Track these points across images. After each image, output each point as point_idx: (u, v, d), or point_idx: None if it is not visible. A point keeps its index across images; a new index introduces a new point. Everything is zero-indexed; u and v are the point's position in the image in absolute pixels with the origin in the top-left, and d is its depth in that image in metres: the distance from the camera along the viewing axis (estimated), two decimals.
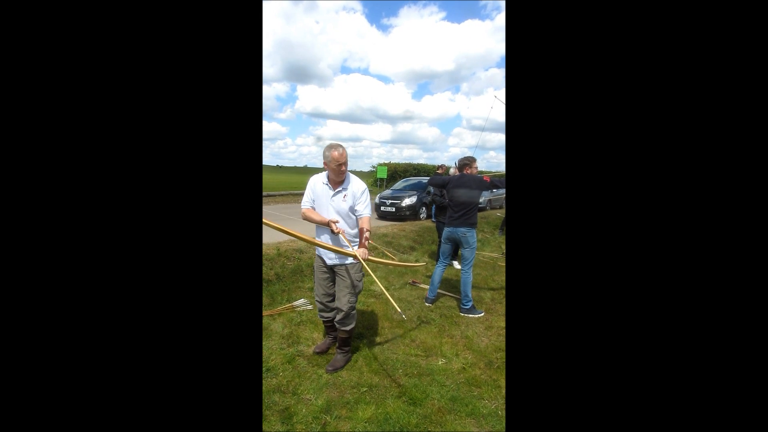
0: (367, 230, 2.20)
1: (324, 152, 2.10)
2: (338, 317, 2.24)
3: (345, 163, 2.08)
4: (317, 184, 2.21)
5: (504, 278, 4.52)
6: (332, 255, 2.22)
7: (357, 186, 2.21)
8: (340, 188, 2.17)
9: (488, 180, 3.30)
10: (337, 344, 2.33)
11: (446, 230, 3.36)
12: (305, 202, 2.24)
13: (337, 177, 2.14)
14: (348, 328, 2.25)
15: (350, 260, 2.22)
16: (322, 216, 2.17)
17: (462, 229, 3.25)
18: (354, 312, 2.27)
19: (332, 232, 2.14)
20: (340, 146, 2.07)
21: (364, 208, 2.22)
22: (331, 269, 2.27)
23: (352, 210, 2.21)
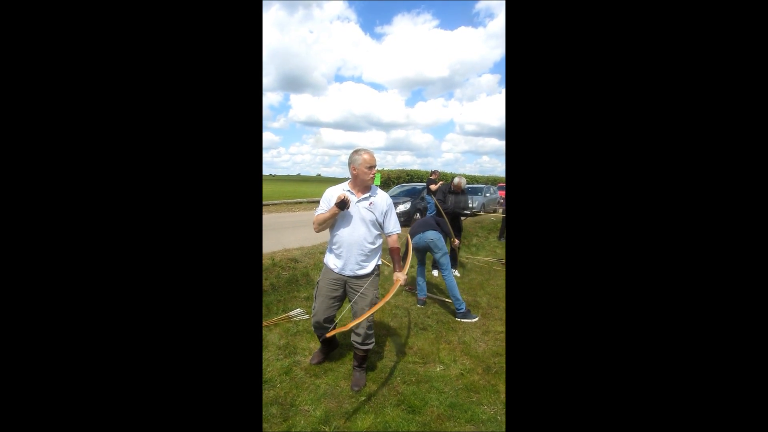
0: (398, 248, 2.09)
1: (351, 157, 2.04)
2: (358, 339, 2.12)
3: (375, 166, 2.05)
4: (339, 192, 2.05)
5: (500, 282, 4.54)
6: (348, 267, 2.08)
7: (381, 198, 2.10)
8: (366, 195, 2.07)
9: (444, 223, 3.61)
10: (354, 363, 2.21)
11: (413, 239, 3.40)
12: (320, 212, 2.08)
13: (365, 182, 2.05)
14: (367, 348, 2.16)
15: (371, 270, 2.10)
16: (333, 208, 1.98)
17: (429, 233, 3.35)
18: (372, 331, 2.18)
19: (344, 204, 1.96)
20: (368, 150, 2.05)
21: (395, 225, 2.11)
22: (345, 287, 2.14)
23: (374, 223, 2.08)
